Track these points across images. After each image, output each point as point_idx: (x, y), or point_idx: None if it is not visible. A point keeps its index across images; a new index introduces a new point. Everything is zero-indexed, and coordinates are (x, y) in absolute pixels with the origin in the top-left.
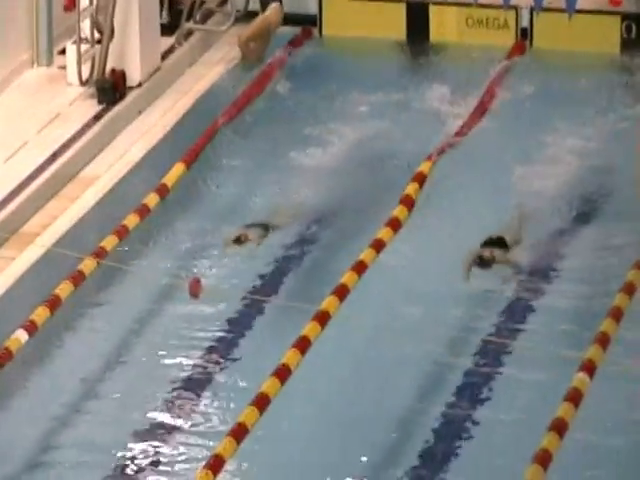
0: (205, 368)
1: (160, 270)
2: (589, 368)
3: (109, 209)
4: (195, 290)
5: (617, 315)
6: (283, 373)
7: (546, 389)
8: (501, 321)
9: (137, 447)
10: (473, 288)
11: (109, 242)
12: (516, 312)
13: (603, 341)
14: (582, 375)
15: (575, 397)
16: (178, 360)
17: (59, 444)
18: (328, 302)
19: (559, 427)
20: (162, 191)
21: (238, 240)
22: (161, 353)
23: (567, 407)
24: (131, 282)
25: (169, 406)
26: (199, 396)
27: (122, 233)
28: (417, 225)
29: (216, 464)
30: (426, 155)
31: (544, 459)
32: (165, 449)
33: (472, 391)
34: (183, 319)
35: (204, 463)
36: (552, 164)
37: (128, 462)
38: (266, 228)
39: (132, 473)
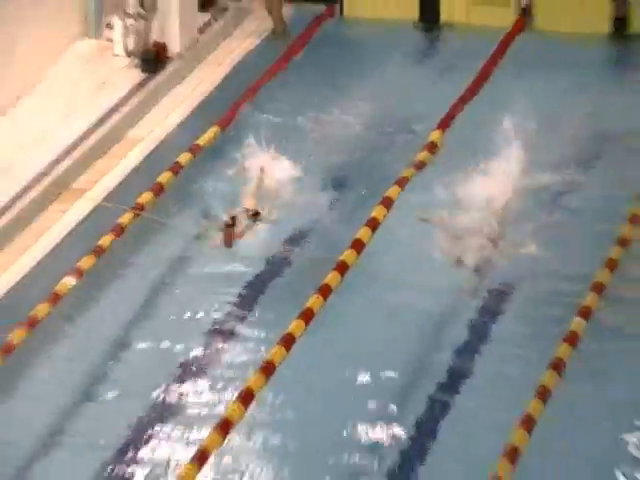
0: (233, 316)
1: (191, 225)
2: (585, 314)
3: (151, 167)
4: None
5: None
6: (307, 316)
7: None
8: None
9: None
10: None
11: (145, 198)
12: None
13: (598, 289)
14: (579, 319)
15: (572, 339)
16: (206, 311)
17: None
18: (347, 255)
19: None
20: (195, 150)
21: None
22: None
23: (564, 348)
24: (163, 236)
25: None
26: (228, 342)
27: (157, 190)
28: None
29: (247, 396)
30: (435, 122)
31: (543, 394)
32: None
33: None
34: (212, 274)
35: (237, 395)
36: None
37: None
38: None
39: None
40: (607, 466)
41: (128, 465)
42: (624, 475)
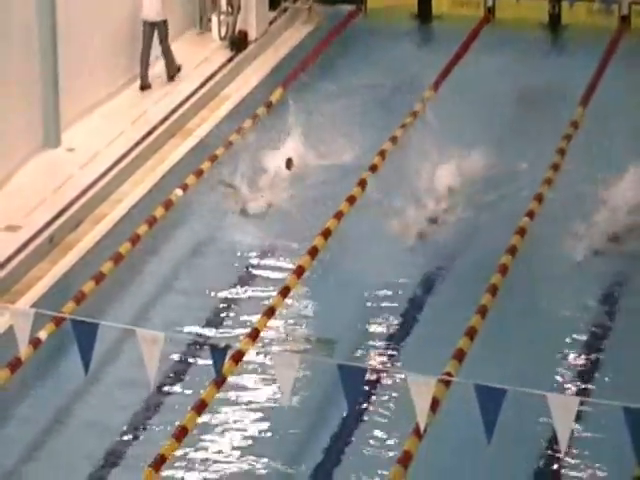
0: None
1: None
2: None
3: (237, 114)
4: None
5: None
6: (326, 234)
7: None
8: None
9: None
10: None
11: (235, 137)
12: None
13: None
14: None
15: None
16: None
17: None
18: (355, 192)
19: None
20: (268, 105)
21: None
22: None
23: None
24: (248, 153)
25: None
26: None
27: (242, 132)
28: None
29: (285, 290)
30: (430, 83)
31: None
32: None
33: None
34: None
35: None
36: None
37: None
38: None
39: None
40: None
41: None
42: None
